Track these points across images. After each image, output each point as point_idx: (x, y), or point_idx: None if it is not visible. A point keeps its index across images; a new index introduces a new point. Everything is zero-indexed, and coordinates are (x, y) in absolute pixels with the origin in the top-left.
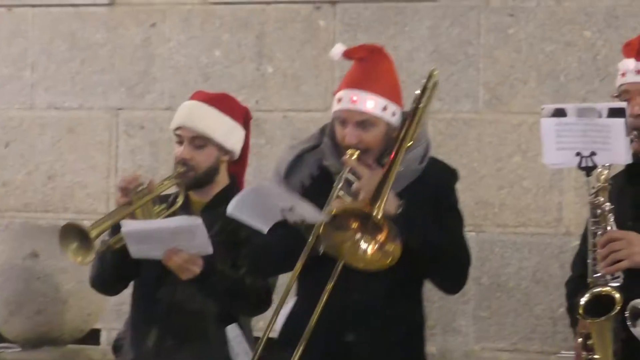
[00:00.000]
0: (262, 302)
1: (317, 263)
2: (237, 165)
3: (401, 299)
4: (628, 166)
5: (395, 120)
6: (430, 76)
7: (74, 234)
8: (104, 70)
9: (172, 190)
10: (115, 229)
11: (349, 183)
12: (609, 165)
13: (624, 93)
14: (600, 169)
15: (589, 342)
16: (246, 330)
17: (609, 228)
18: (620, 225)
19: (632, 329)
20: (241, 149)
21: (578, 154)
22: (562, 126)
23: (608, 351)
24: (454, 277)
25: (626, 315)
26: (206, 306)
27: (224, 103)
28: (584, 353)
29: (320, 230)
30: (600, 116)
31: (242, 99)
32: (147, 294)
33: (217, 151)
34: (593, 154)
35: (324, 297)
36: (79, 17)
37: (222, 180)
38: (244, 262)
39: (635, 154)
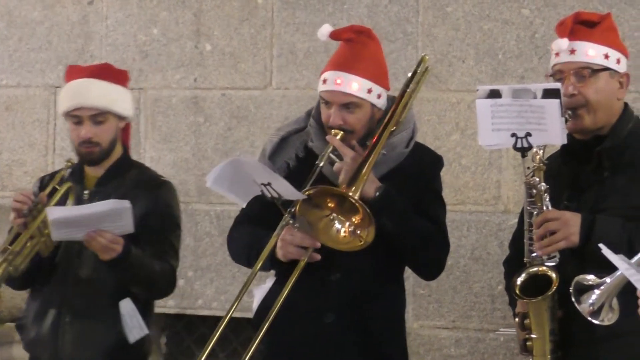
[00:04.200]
0: (169, 286)
1: None
2: (123, 131)
3: (382, 280)
4: (563, 146)
5: (380, 102)
6: (420, 61)
7: None
8: (42, 48)
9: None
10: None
11: (331, 162)
12: (544, 146)
13: (558, 73)
14: (535, 149)
15: (526, 321)
16: (146, 305)
17: (544, 208)
18: (556, 205)
19: (577, 305)
20: None
21: (513, 134)
22: (497, 107)
23: (545, 330)
24: (431, 264)
25: (570, 291)
26: (102, 283)
27: (109, 73)
28: (522, 332)
29: (297, 208)
30: (535, 97)
31: (180, 77)
32: (45, 272)
33: (116, 121)
34: (528, 134)
35: (296, 273)
36: None
37: (117, 149)
38: (157, 249)
39: (569, 133)
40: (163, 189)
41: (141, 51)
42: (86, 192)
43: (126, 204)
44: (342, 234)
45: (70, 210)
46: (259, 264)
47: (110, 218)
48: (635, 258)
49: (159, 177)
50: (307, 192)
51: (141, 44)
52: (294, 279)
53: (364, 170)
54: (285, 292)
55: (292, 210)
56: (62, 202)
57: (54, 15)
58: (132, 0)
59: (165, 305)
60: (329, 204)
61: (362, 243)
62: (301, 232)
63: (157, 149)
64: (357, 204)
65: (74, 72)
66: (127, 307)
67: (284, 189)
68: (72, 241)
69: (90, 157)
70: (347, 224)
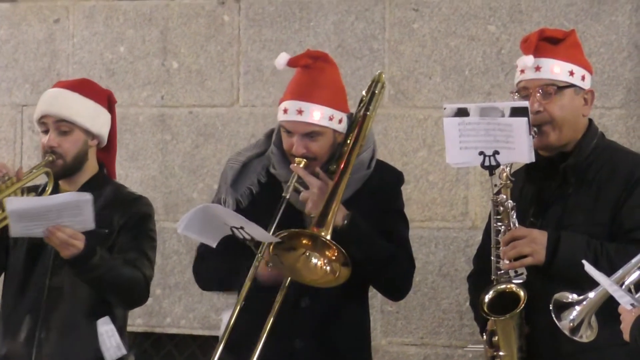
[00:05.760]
0: (140, 294)
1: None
2: (106, 151)
3: (349, 304)
4: (529, 163)
5: (341, 127)
6: (377, 81)
7: None
8: (8, 67)
9: (42, 180)
10: None
11: (296, 191)
12: (511, 163)
13: (523, 90)
14: (502, 167)
15: (494, 339)
16: (121, 324)
17: (512, 225)
18: (522, 221)
19: (557, 322)
20: (109, 134)
21: (481, 153)
22: (465, 126)
23: (513, 348)
24: (398, 284)
25: (551, 308)
26: (79, 298)
27: (85, 87)
28: (490, 350)
29: (270, 248)
30: (502, 115)
31: (147, 94)
32: (18, 284)
33: (83, 136)
34: (496, 153)
35: (276, 307)
36: None
37: (91, 167)
38: (130, 257)
39: (535, 150)
40: (140, 203)
41: (108, 69)
42: None
43: (87, 196)
44: (320, 268)
45: (30, 201)
46: (239, 303)
47: (71, 212)
48: (615, 275)
49: (135, 193)
50: (279, 236)
51: (108, 62)
52: (271, 319)
53: (333, 205)
54: (266, 332)
55: (264, 250)
56: (41, 189)
57: (20, 34)
58: (99, 18)
59: (133, 324)
60: (303, 242)
61: (336, 277)
62: (275, 270)
63: (124, 166)
64: (329, 243)
65: (55, 85)
66: (105, 326)
67: (256, 233)
68: (46, 256)
69: (50, 167)
70: (322, 258)
